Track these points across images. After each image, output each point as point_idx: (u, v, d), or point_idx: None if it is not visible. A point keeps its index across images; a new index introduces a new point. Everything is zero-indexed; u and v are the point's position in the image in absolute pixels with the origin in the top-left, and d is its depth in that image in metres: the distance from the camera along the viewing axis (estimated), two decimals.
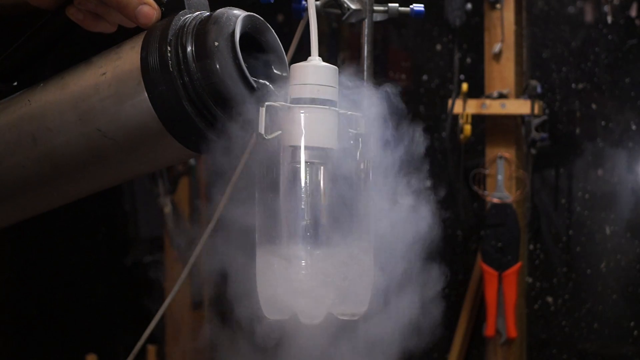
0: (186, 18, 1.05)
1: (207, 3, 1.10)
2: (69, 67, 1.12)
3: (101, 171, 1.12)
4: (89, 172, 1.12)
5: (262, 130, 1.00)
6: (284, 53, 1.08)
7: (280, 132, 1.01)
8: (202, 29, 1.02)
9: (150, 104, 1.03)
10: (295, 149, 1.01)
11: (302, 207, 1.01)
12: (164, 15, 1.07)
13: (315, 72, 1.03)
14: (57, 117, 1.09)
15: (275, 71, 1.07)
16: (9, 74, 1.19)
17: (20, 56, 1.17)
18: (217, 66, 1.01)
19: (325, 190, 1.02)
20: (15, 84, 1.18)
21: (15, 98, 1.15)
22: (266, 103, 1.00)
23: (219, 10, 1.05)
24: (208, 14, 1.05)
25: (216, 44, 1.01)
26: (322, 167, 1.02)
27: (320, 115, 1.02)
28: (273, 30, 1.07)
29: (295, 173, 1.01)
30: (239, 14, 1.04)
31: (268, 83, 1.05)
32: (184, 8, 1.06)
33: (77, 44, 1.18)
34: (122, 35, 1.10)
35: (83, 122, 1.08)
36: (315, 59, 1.04)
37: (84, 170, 1.11)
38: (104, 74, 1.07)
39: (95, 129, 1.07)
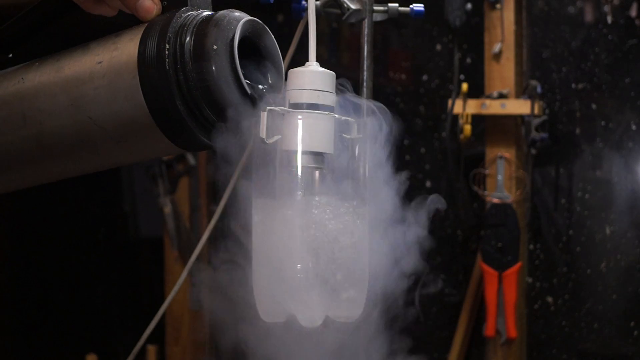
0: (188, 16, 1.05)
1: (209, 1, 1.09)
2: (65, 50, 1.12)
3: (88, 157, 1.12)
4: (75, 156, 1.12)
5: (263, 134, 1.00)
6: (282, 60, 1.08)
7: (280, 136, 1.01)
8: (202, 30, 1.02)
9: (143, 99, 1.03)
10: (293, 154, 1.01)
11: (299, 211, 1.01)
12: (165, 9, 1.07)
13: (313, 77, 1.03)
14: (49, 100, 1.10)
15: (270, 78, 1.07)
16: (5, 46, 1.19)
17: (18, 29, 1.17)
18: (214, 69, 1.01)
19: (321, 195, 1.02)
20: (11, 56, 1.19)
21: (8, 73, 1.16)
22: (268, 107, 1.00)
23: (220, 12, 1.04)
24: (210, 14, 1.05)
25: (215, 47, 1.01)
26: (318, 172, 1.02)
27: (317, 121, 1.02)
28: (273, 36, 1.07)
29: (293, 177, 1.02)
30: (241, 18, 1.04)
31: (262, 89, 1.05)
32: (186, 5, 1.06)
33: (77, 23, 1.18)
34: (122, 19, 1.10)
35: (75, 108, 1.08)
36: (312, 64, 1.04)
37: (71, 154, 1.12)
38: (100, 62, 1.07)
39: (86, 116, 1.07)
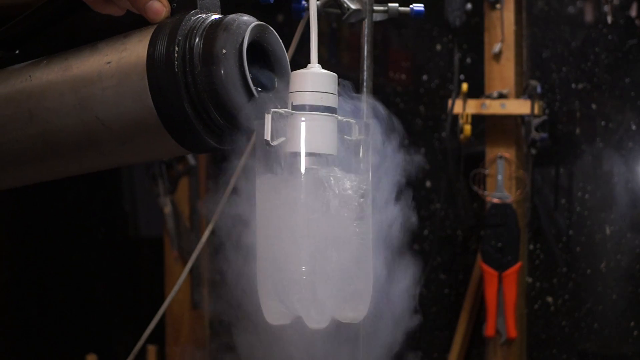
0: (197, 19, 1.05)
1: (218, 4, 1.10)
2: (73, 49, 1.12)
3: (93, 156, 1.13)
4: (80, 155, 1.12)
5: (268, 136, 1.00)
6: (289, 64, 1.09)
7: (284, 138, 1.01)
8: (212, 34, 1.03)
9: (151, 101, 1.04)
10: (296, 155, 1.01)
11: (303, 212, 1.01)
12: (174, 11, 1.07)
13: (315, 79, 1.03)
14: (57, 98, 1.10)
15: (277, 82, 1.07)
16: (13, 42, 1.19)
17: (26, 26, 1.18)
18: (222, 73, 1.01)
19: (325, 195, 1.02)
20: (17, 52, 1.19)
21: (16, 71, 1.16)
22: (272, 110, 1.00)
23: (230, 16, 1.05)
24: (219, 17, 1.05)
25: (224, 51, 1.01)
26: (321, 172, 1.02)
27: (321, 123, 1.02)
28: (280, 41, 1.08)
29: (296, 178, 1.02)
30: (250, 22, 1.04)
31: (270, 94, 1.05)
32: (195, 7, 1.06)
33: (85, 22, 1.18)
34: (130, 19, 1.10)
35: (82, 107, 1.08)
36: (314, 66, 1.05)
37: (76, 153, 1.12)
38: (109, 63, 1.07)
39: (93, 116, 1.08)
